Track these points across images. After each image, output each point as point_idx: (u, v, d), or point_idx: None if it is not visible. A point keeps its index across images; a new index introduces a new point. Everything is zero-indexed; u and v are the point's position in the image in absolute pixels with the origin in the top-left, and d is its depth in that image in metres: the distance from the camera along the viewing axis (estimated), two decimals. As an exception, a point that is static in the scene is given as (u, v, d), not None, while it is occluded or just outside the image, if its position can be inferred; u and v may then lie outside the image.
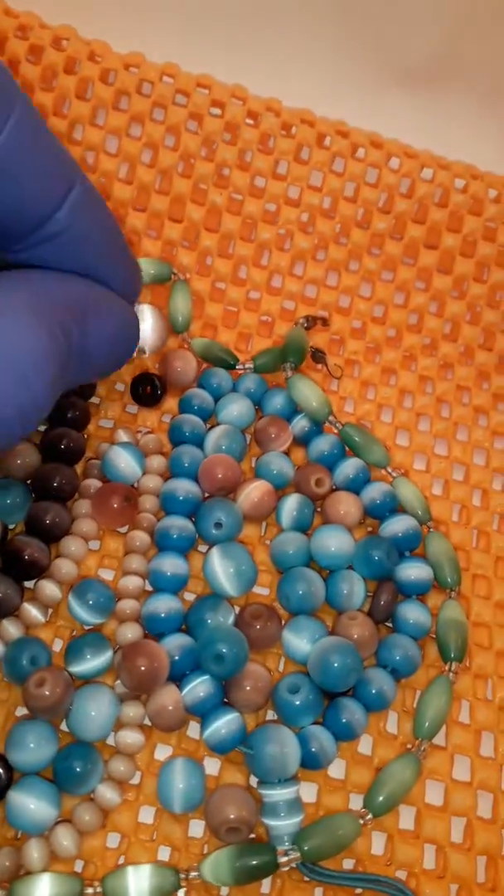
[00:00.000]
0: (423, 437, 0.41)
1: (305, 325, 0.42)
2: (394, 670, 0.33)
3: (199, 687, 0.31)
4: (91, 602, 0.32)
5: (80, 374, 0.30)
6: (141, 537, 0.35)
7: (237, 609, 0.34)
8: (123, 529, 0.36)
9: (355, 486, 0.38)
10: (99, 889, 0.28)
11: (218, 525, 0.35)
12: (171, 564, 0.34)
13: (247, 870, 0.28)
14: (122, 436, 0.37)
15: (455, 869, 0.31)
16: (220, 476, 0.36)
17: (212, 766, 0.32)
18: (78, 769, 0.29)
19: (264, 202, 0.43)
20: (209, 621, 0.33)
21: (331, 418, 0.39)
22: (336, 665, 0.31)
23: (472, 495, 0.40)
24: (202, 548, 0.36)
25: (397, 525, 0.36)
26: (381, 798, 0.31)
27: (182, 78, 0.42)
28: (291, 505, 0.36)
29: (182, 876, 0.28)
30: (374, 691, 0.32)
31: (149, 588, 0.34)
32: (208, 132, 0.42)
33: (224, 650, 0.31)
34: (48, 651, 0.32)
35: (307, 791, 0.32)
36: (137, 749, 0.31)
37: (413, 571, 0.35)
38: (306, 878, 0.30)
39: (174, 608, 0.33)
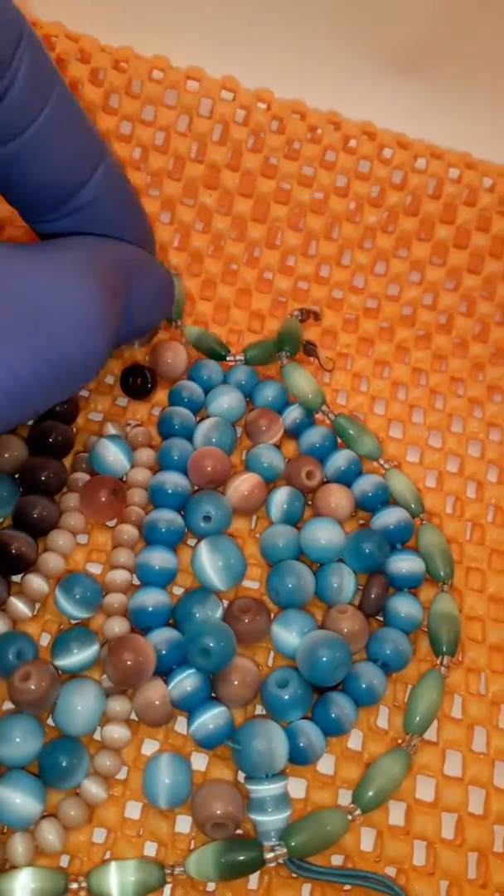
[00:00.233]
0: (417, 428, 0.41)
1: (300, 317, 0.42)
2: (384, 664, 0.33)
3: (186, 681, 0.31)
4: (78, 596, 0.32)
5: (125, 334, 0.32)
6: (129, 531, 0.34)
7: (226, 603, 0.34)
8: (112, 523, 0.35)
9: (347, 479, 0.37)
10: (84, 884, 0.28)
11: (207, 518, 0.34)
12: (159, 558, 0.33)
13: (232, 865, 0.28)
14: (111, 429, 0.37)
15: (445, 865, 0.31)
16: (209, 469, 0.35)
17: (200, 761, 0.32)
18: (63, 764, 0.29)
19: (253, 200, 0.43)
20: (197, 615, 0.32)
21: (324, 408, 0.39)
22: (324, 659, 0.31)
23: (466, 487, 0.40)
24: (192, 541, 0.36)
25: (389, 517, 0.36)
26: (370, 793, 0.30)
27: (171, 73, 0.42)
28: (281, 498, 0.36)
29: (168, 871, 0.28)
30: (364, 686, 0.32)
31: (137, 582, 0.34)
32: (198, 132, 0.42)
33: (211, 644, 0.30)
34: (35, 645, 0.31)
35: (296, 786, 0.31)
36: (124, 744, 0.31)
37: (405, 564, 0.35)
38: (294, 875, 0.29)
39: (161, 602, 0.33)
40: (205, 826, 0.29)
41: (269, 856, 0.28)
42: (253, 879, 0.30)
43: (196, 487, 0.36)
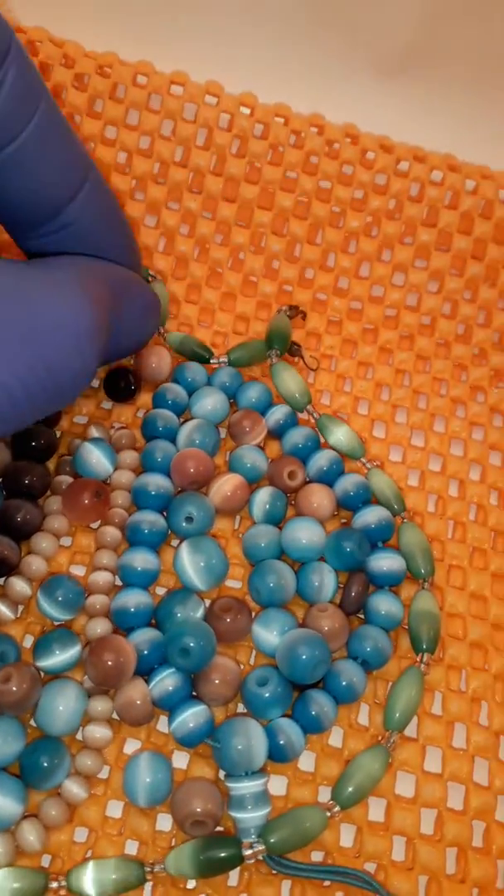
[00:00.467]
0: (400, 428, 0.41)
1: (289, 313, 0.42)
2: (364, 662, 0.33)
3: (167, 680, 0.31)
4: (60, 598, 0.32)
5: (111, 352, 0.33)
6: (112, 533, 0.35)
7: (208, 603, 0.34)
8: (95, 525, 0.36)
9: (328, 478, 0.37)
10: (63, 883, 0.28)
11: (189, 519, 0.35)
12: (141, 559, 0.34)
13: (210, 862, 0.28)
14: (94, 432, 0.37)
15: (424, 861, 0.31)
16: (191, 470, 0.36)
17: (181, 759, 0.32)
18: (45, 764, 0.29)
19: (237, 205, 0.43)
20: (178, 615, 0.33)
21: (308, 408, 0.39)
22: (304, 657, 0.31)
23: (448, 486, 0.40)
24: (175, 542, 0.36)
25: (370, 516, 0.36)
26: (349, 790, 0.30)
27: (155, 77, 0.42)
28: (263, 498, 0.36)
29: (148, 869, 0.28)
30: (343, 683, 0.32)
31: (120, 583, 0.34)
32: (182, 137, 0.42)
33: (190, 644, 0.31)
34: (17, 647, 0.32)
35: (277, 784, 0.32)
36: (105, 744, 0.31)
37: (385, 562, 0.35)
38: (273, 871, 0.30)
39: (143, 602, 0.33)
40: (184, 824, 0.29)
41: (247, 853, 0.29)
42: (233, 876, 0.30)
43: (179, 489, 0.36)
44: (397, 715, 0.32)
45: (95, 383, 0.39)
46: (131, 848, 0.30)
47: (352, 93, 0.46)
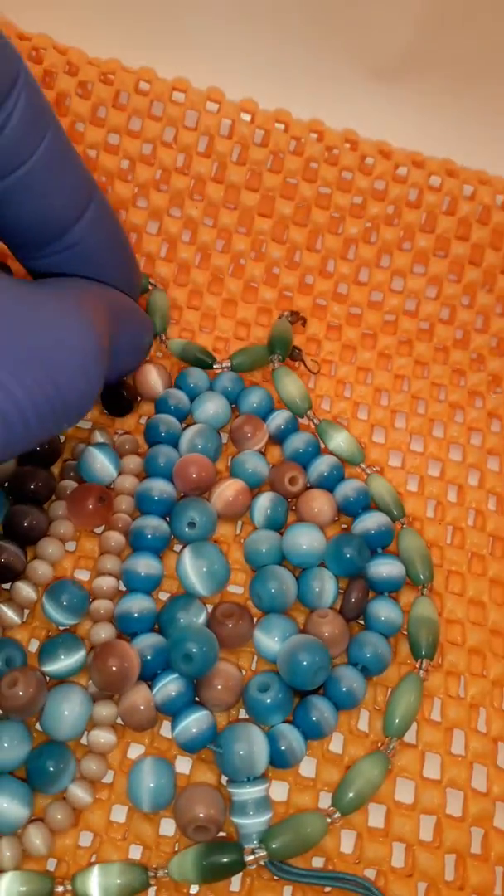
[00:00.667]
0: (399, 433, 0.41)
1: (290, 318, 0.42)
2: (364, 668, 0.34)
3: (170, 686, 0.32)
4: (65, 603, 0.32)
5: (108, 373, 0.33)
6: (116, 538, 0.35)
7: (210, 608, 0.34)
8: (99, 530, 0.36)
9: (329, 484, 0.38)
10: (69, 887, 0.28)
11: (191, 524, 0.35)
12: (144, 564, 0.34)
13: (213, 868, 0.29)
14: (98, 437, 0.38)
15: (424, 867, 0.31)
16: (193, 476, 0.36)
17: (184, 765, 0.32)
18: (50, 768, 0.30)
19: (238, 212, 0.43)
20: (180, 620, 0.33)
21: (309, 413, 0.40)
22: (304, 663, 0.31)
23: (447, 491, 0.40)
24: (178, 547, 0.36)
25: (369, 522, 0.37)
26: (349, 796, 0.31)
27: (157, 84, 0.42)
28: (264, 503, 0.36)
29: (151, 874, 0.29)
30: (344, 689, 0.33)
31: (123, 588, 0.34)
32: (184, 144, 0.43)
33: (193, 649, 0.31)
34: (23, 652, 0.32)
35: (278, 790, 0.32)
36: (110, 748, 0.31)
37: (385, 568, 0.36)
38: (275, 877, 0.30)
39: (147, 608, 0.33)
40: (187, 829, 0.30)
41: (249, 858, 0.29)
42: (235, 882, 0.30)
43: (182, 494, 0.37)
44: (397, 721, 0.33)
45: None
46: (135, 852, 0.31)
47: (351, 98, 0.47)
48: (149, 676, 0.32)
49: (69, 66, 0.42)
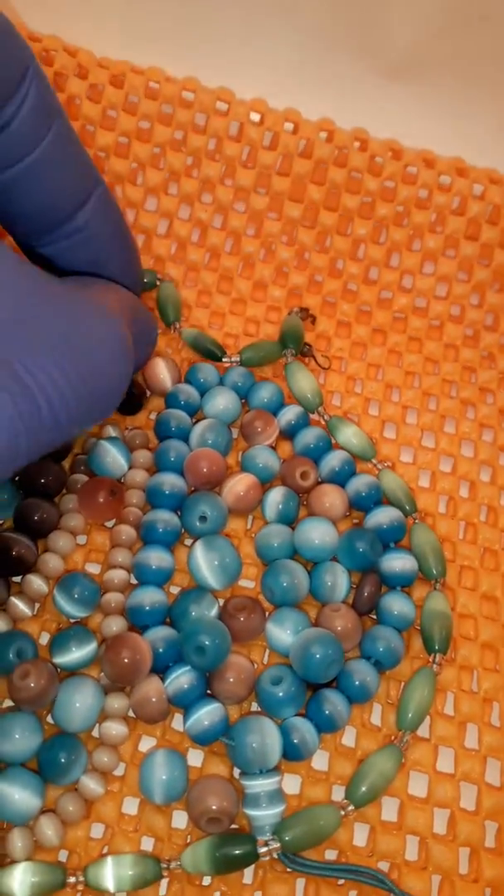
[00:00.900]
0: (411, 429, 0.41)
1: (300, 315, 0.42)
2: (377, 662, 0.33)
3: (182, 678, 0.32)
4: (76, 596, 0.32)
5: None
6: (127, 531, 0.35)
7: (222, 601, 0.34)
8: (110, 523, 0.36)
9: (341, 479, 0.38)
10: (81, 878, 0.28)
11: (202, 518, 0.35)
12: (156, 558, 0.34)
13: (226, 860, 0.29)
14: (110, 431, 0.38)
15: (437, 860, 0.31)
16: (204, 470, 0.36)
17: (196, 757, 0.32)
18: (62, 760, 0.30)
19: (247, 214, 0.44)
20: (192, 613, 0.33)
21: (320, 409, 0.39)
22: (317, 656, 0.31)
23: (459, 487, 0.40)
24: (189, 541, 0.36)
25: (382, 516, 0.36)
26: (362, 789, 0.31)
27: (167, 85, 0.43)
28: (276, 497, 0.36)
29: (164, 866, 0.29)
30: (357, 683, 0.33)
31: (134, 581, 0.34)
32: (193, 147, 0.43)
33: (206, 642, 0.31)
34: (34, 644, 0.32)
35: (291, 783, 0.32)
36: (121, 740, 0.31)
37: (397, 563, 0.35)
38: (288, 869, 0.30)
39: (158, 601, 0.33)
40: (200, 821, 0.29)
41: (262, 850, 0.29)
42: (248, 874, 0.30)
43: (192, 488, 0.37)
44: (410, 715, 0.33)
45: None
46: (147, 844, 0.30)
47: (361, 96, 0.46)
48: (161, 669, 0.32)
49: (79, 68, 0.42)
